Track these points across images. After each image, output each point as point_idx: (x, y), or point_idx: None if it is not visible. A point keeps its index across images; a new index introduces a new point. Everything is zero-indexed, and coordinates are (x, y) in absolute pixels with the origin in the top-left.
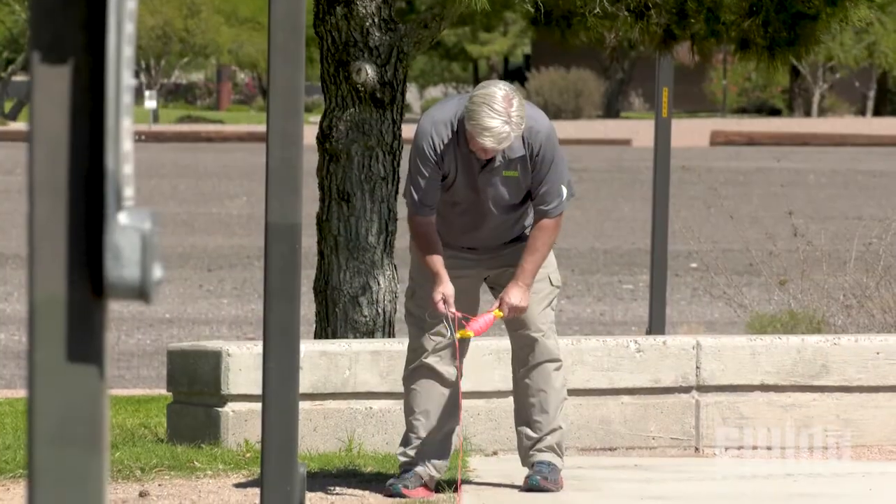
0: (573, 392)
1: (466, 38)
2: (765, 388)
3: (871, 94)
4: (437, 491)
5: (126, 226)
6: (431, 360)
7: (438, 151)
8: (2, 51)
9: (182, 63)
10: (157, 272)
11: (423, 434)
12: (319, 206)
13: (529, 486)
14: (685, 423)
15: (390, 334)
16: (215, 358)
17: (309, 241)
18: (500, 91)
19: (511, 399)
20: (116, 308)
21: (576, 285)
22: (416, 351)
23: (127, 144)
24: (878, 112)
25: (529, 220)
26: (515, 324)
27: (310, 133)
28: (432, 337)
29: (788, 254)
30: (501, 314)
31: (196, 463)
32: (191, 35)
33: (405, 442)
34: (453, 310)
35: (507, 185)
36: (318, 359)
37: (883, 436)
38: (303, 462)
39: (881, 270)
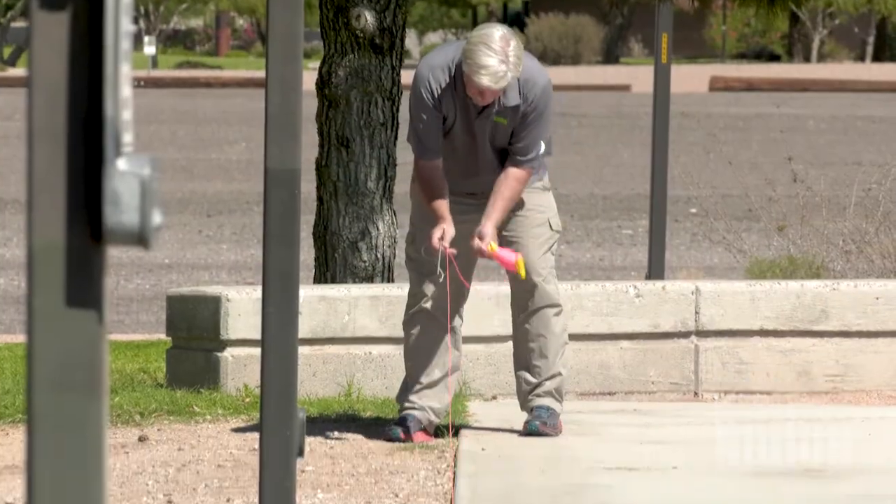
0: (572, 337)
1: None
2: (764, 333)
3: (871, 39)
4: (436, 436)
5: (125, 172)
6: (431, 305)
7: (436, 96)
8: None
9: (181, 9)
10: (157, 218)
11: (422, 379)
12: (319, 151)
13: (529, 431)
14: (684, 368)
15: (389, 279)
16: (214, 303)
17: (308, 187)
18: (497, 31)
19: (510, 344)
20: (115, 253)
21: (575, 231)
22: (415, 296)
23: (126, 90)
24: (877, 58)
25: None
26: None
27: (309, 79)
28: (432, 282)
29: (788, 199)
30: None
31: (195, 408)
32: None
33: (404, 387)
34: (447, 246)
35: (497, 131)
36: (318, 304)
37: (882, 381)
38: (302, 407)
39: (880, 216)
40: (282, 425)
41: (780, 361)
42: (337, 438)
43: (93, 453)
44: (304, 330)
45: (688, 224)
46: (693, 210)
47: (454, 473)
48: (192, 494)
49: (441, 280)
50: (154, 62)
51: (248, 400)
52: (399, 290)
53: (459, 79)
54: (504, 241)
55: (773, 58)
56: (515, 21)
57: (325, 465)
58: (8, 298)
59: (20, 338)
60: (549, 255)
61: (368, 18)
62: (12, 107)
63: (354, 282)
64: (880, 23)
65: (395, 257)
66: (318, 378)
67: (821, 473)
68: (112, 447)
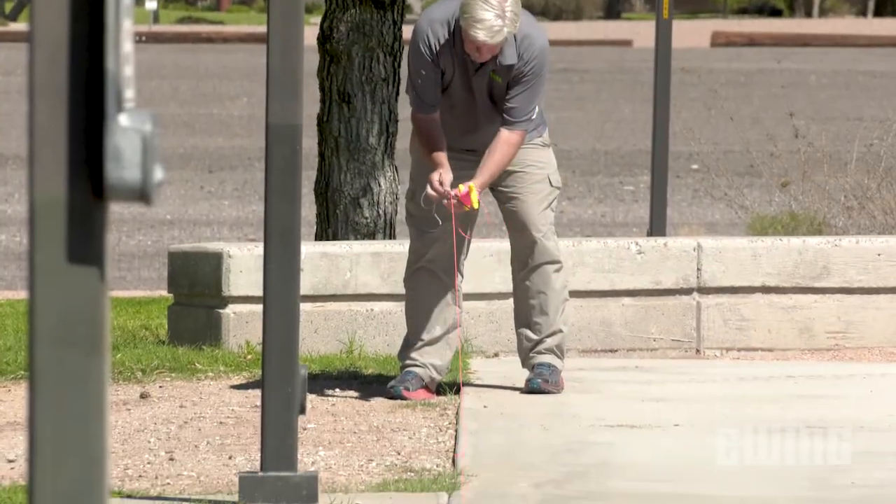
0: (574, 294)
1: None
2: (766, 289)
3: None
4: (437, 393)
5: (127, 127)
6: (432, 262)
7: (434, 50)
8: None
9: None
10: (158, 174)
11: (423, 336)
12: (320, 107)
13: (530, 389)
14: (686, 324)
15: (391, 236)
16: (216, 259)
17: (310, 143)
18: None
19: (512, 301)
20: (117, 209)
21: (577, 186)
22: (416, 252)
23: (127, 45)
24: (878, 13)
25: None
26: (515, 225)
27: (310, 34)
28: (433, 239)
29: (789, 155)
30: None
31: (197, 364)
32: None
33: (406, 344)
34: (448, 188)
35: (494, 88)
36: (319, 260)
37: (884, 338)
38: (304, 364)
39: (882, 172)
40: (283, 382)
41: (782, 318)
42: (338, 396)
43: (94, 410)
44: (305, 287)
45: (689, 180)
46: (695, 166)
47: (456, 431)
48: (193, 451)
49: (439, 226)
50: (155, 17)
51: (249, 357)
52: (401, 247)
53: (458, 34)
54: (503, 197)
55: (775, 13)
56: None
57: (326, 422)
58: (9, 255)
59: (22, 294)
60: (548, 212)
61: None
62: (13, 62)
63: (356, 238)
64: None
65: (396, 214)
66: (319, 335)
67: (822, 430)
68: (114, 404)
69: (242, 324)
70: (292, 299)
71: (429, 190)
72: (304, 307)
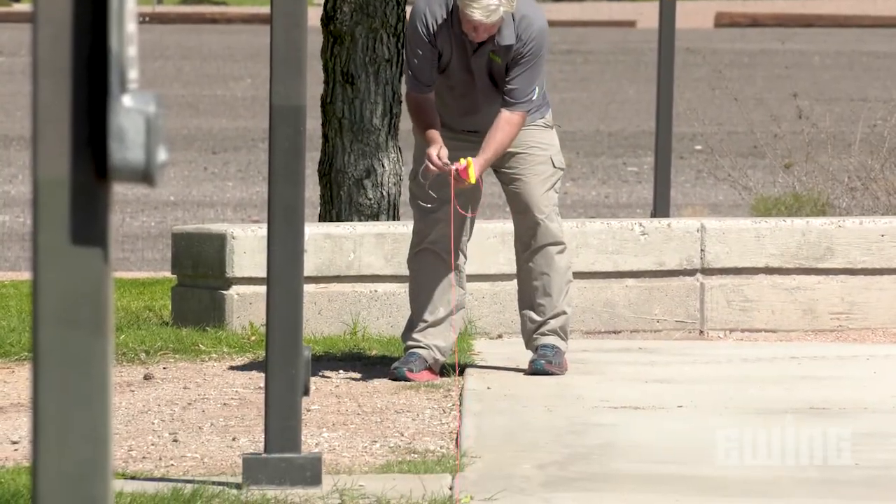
0: (577, 275)
1: None
2: (769, 270)
3: None
4: (441, 374)
5: (130, 108)
6: (434, 243)
7: (432, 31)
8: None
9: None
10: (162, 155)
11: (426, 317)
12: (324, 88)
13: (534, 370)
14: (689, 306)
15: (395, 217)
16: (220, 241)
17: (313, 124)
18: None
19: (516, 282)
20: (121, 190)
21: (580, 168)
22: (419, 234)
23: (130, 26)
24: None
25: None
26: (518, 206)
27: (314, 15)
28: (436, 220)
29: (793, 136)
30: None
31: (200, 346)
32: None
33: (409, 325)
34: (446, 160)
35: (493, 69)
36: (323, 241)
37: (887, 318)
38: (307, 345)
39: (886, 152)
40: (287, 364)
41: (786, 299)
42: (342, 377)
43: (98, 391)
44: (309, 268)
45: (693, 161)
46: (698, 147)
47: (460, 412)
48: (197, 433)
49: (442, 207)
50: None
51: (253, 338)
52: (404, 228)
53: (456, 14)
54: (506, 179)
55: None
56: None
57: (330, 403)
58: (13, 235)
59: (25, 275)
60: (551, 193)
61: None
62: (17, 43)
63: (360, 219)
64: None
65: (400, 195)
66: (323, 316)
67: (826, 411)
68: (117, 385)
69: (246, 305)
70: (296, 280)
71: (428, 164)
72: (308, 288)
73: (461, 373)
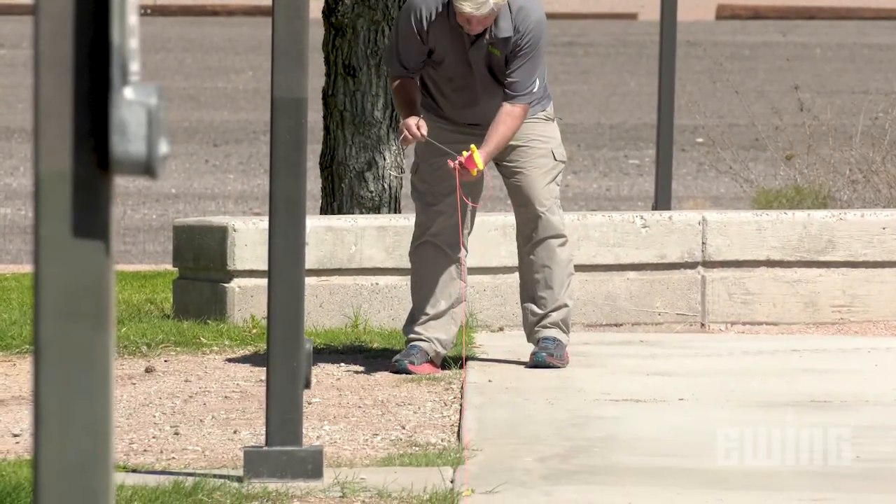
0: (579, 268)
1: None
2: (770, 263)
3: None
4: (442, 367)
5: (132, 101)
6: (436, 236)
7: (424, 24)
8: None
9: None
10: (163, 147)
11: (428, 310)
12: (325, 80)
13: (535, 363)
14: (691, 298)
15: (396, 210)
16: (221, 233)
17: (315, 116)
18: None
19: (517, 275)
20: (122, 183)
21: (582, 160)
22: (421, 226)
23: (132, 18)
24: None
25: None
26: (519, 199)
27: (316, 7)
28: (437, 213)
29: (794, 128)
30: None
31: (202, 339)
32: None
33: (411, 318)
34: (425, 133)
35: (493, 62)
36: (324, 234)
37: (889, 311)
38: (309, 338)
39: (887, 145)
40: (288, 356)
41: (787, 292)
42: (343, 370)
43: (100, 384)
44: (310, 260)
45: (694, 153)
46: (700, 139)
47: (461, 405)
48: (198, 426)
49: (444, 199)
50: None
51: (254, 331)
52: (406, 221)
53: (452, 7)
54: (507, 172)
55: None
56: None
57: (331, 396)
58: (15, 228)
59: (27, 268)
60: (552, 186)
61: None
62: (19, 35)
63: (361, 212)
64: None
65: (401, 187)
66: (324, 309)
67: (827, 404)
68: (119, 378)
69: (247, 298)
70: (297, 273)
71: (406, 133)
72: (309, 281)
73: (462, 366)
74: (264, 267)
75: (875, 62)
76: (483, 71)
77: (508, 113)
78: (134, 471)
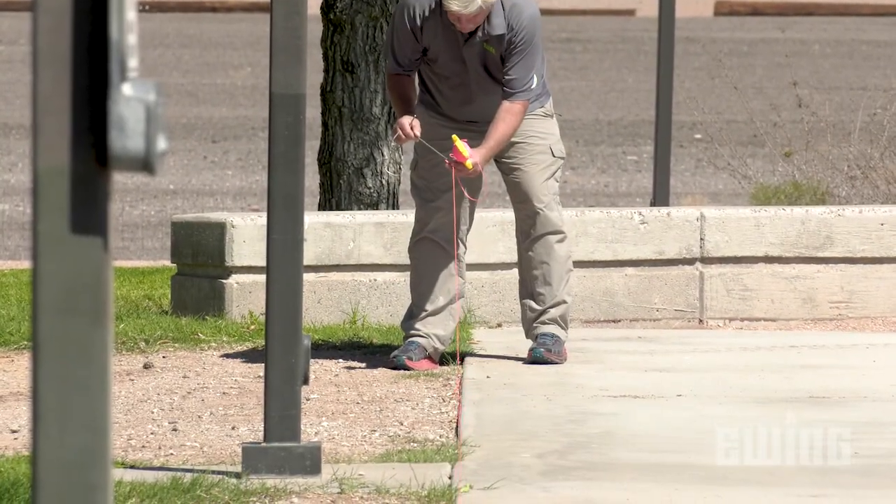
0: (577, 264)
1: None
2: (769, 259)
3: None
4: (441, 363)
5: (130, 97)
6: (435, 232)
7: (417, 22)
8: None
9: None
10: (162, 143)
11: (427, 306)
12: (324, 76)
13: (534, 359)
14: (689, 294)
15: (394, 206)
16: (219, 229)
17: (313, 113)
18: None
19: (515, 271)
20: (120, 179)
21: (580, 156)
22: (420, 222)
23: (130, 14)
24: None
25: None
26: (518, 196)
27: (314, 3)
28: (436, 209)
29: (793, 125)
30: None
31: (200, 335)
32: None
33: (409, 314)
34: (418, 133)
35: (488, 60)
36: (323, 230)
37: (887, 307)
38: (307, 334)
39: (885, 141)
40: (286, 353)
41: (785, 288)
42: (342, 366)
43: (98, 380)
44: (308, 257)
45: (693, 150)
46: (698, 136)
47: (459, 401)
48: (196, 422)
49: (443, 196)
50: None
51: (252, 327)
52: (404, 217)
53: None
54: (506, 168)
55: None
56: None
57: (329, 392)
58: (13, 224)
59: (25, 264)
60: (551, 182)
61: None
62: (17, 31)
63: (359, 208)
64: None
65: (399, 183)
66: (322, 305)
67: (825, 400)
68: (117, 374)
69: (245, 294)
70: (295, 269)
71: (399, 133)
72: (308, 277)
73: (461, 362)
74: (262, 263)
75: (873, 58)
76: (478, 68)
77: (508, 110)
78: (132, 467)
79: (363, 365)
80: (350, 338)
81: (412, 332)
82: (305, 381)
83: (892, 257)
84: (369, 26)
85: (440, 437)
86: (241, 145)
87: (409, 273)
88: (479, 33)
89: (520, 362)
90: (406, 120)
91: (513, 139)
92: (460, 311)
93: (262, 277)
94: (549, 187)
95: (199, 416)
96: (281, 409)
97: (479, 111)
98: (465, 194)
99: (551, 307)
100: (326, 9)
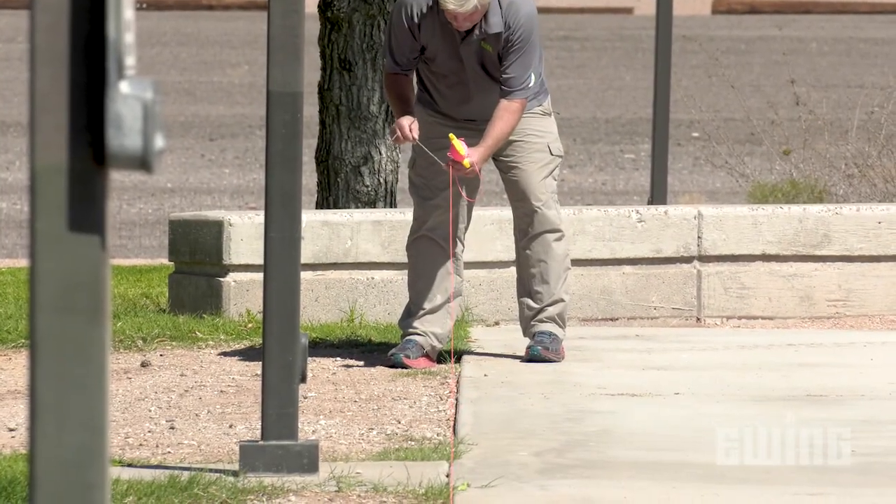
0: (575, 262)
1: None
2: (766, 257)
3: None
4: (438, 361)
5: (128, 95)
6: (432, 230)
7: (414, 20)
8: None
9: None
10: (159, 141)
11: (424, 304)
12: (321, 74)
13: (531, 357)
14: (687, 293)
15: (392, 204)
16: (217, 227)
17: (310, 111)
18: None
19: (513, 269)
20: (118, 177)
21: (577, 155)
22: (417, 220)
23: (128, 12)
24: None
25: None
26: (515, 194)
27: (312, 1)
28: (434, 207)
29: (790, 123)
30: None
31: (197, 333)
32: None
33: (407, 312)
34: (416, 135)
35: (485, 58)
36: (320, 228)
37: (884, 305)
38: (304, 332)
39: (883, 139)
40: (284, 351)
41: (783, 286)
42: (339, 364)
43: (95, 378)
44: (306, 255)
45: (690, 148)
46: (695, 134)
47: (456, 399)
48: (194, 420)
49: (441, 194)
50: None
51: (250, 325)
52: (401, 215)
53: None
54: (503, 167)
55: None
56: None
57: (327, 391)
58: (10, 222)
59: (22, 262)
60: (549, 180)
61: None
62: (15, 29)
63: (357, 206)
64: None
65: (397, 182)
66: (320, 303)
67: (823, 398)
68: (114, 372)
69: (243, 292)
70: (293, 267)
71: (398, 133)
72: (305, 275)
73: (458, 360)
74: (260, 261)
75: (871, 56)
76: (475, 67)
77: (506, 109)
78: (130, 465)
79: (361, 363)
80: (348, 336)
81: (410, 330)
82: (303, 379)
83: (890, 255)
84: (367, 24)
85: (438, 435)
86: (239, 143)
87: (406, 271)
88: (477, 32)
89: (517, 360)
90: (406, 121)
91: (511, 137)
92: (458, 309)
93: (260, 276)
94: (546, 186)
95: (196, 415)
96: (278, 408)
97: (478, 110)
98: (463, 195)
99: (549, 305)
100: (324, 7)
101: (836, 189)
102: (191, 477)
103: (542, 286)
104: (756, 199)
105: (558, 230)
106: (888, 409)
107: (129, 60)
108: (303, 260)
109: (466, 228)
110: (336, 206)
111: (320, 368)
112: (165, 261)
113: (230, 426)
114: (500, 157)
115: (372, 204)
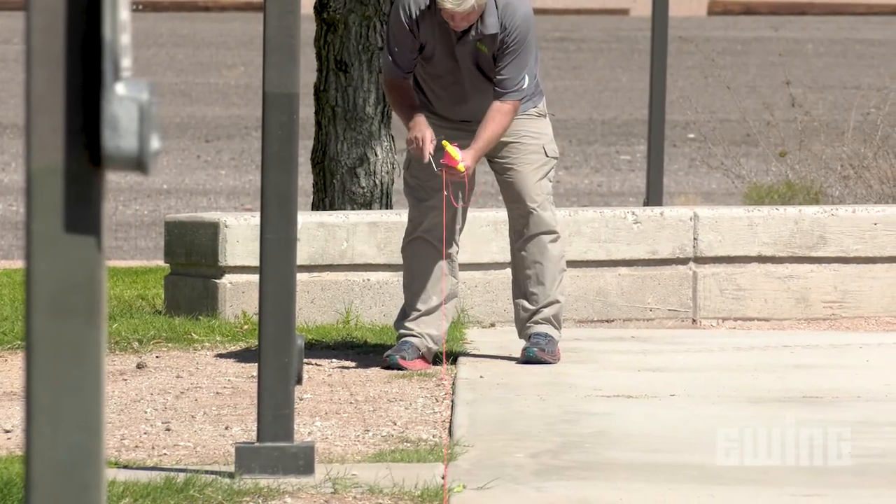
0: (570, 264)
1: None
2: (762, 259)
3: None
4: (434, 363)
5: (124, 96)
6: (427, 232)
7: (414, 18)
8: None
9: None
10: (155, 143)
11: (419, 306)
12: (317, 76)
13: (527, 358)
14: (682, 294)
15: (388, 206)
16: (213, 229)
17: (307, 112)
18: None
19: (508, 271)
20: (114, 178)
21: (573, 156)
22: (413, 222)
23: (124, 14)
24: None
25: None
26: (511, 196)
27: (307, 2)
28: (429, 208)
29: (786, 124)
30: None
31: (193, 334)
32: None
33: (402, 313)
34: (430, 149)
35: (481, 59)
36: (316, 230)
37: (880, 307)
38: (300, 334)
39: (879, 140)
40: (280, 352)
41: (778, 287)
42: (335, 366)
43: (91, 380)
44: (302, 257)
45: (686, 149)
46: (691, 135)
47: (452, 401)
48: (190, 422)
49: (436, 196)
50: None
51: (246, 327)
52: (397, 217)
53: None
54: (499, 168)
55: None
56: None
57: (323, 392)
58: (6, 224)
59: (18, 263)
60: (544, 182)
61: None
62: (11, 30)
63: (353, 208)
64: None
65: (393, 183)
66: (316, 305)
67: (819, 400)
68: (110, 374)
69: (239, 293)
70: (289, 269)
71: (417, 146)
72: (301, 277)
73: (454, 362)
74: (256, 263)
75: (867, 57)
76: (471, 67)
77: (498, 110)
78: (125, 467)
79: (356, 365)
80: (343, 338)
81: (405, 331)
82: (299, 380)
83: (886, 257)
84: (363, 25)
85: (433, 436)
86: (235, 145)
87: (402, 273)
88: (473, 32)
89: (513, 362)
90: (429, 135)
91: (506, 139)
92: (454, 311)
93: (256, 277)
94: (542, 187)
95: (192, 416)
96: (274, 409)
97: (473, 110)
98: (455, 203)
99: (544, 307)
100: (320, 8)
101: (832, 190)
102: (187, 478)
103: (538, 288)
104: (752, 200)
105: (554, 232)
106: (884, 411)
107: (126, 62)
108: (298, 261)
109: (461, 230)
110: (332, 208)
111: (316, 370)
112: (161, 262)
113: (226, 428)
114: (496, 159)
115: (368, 205)
